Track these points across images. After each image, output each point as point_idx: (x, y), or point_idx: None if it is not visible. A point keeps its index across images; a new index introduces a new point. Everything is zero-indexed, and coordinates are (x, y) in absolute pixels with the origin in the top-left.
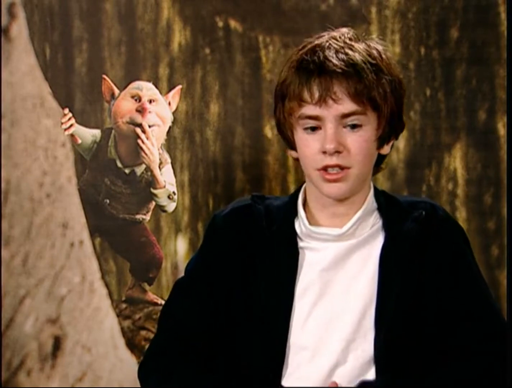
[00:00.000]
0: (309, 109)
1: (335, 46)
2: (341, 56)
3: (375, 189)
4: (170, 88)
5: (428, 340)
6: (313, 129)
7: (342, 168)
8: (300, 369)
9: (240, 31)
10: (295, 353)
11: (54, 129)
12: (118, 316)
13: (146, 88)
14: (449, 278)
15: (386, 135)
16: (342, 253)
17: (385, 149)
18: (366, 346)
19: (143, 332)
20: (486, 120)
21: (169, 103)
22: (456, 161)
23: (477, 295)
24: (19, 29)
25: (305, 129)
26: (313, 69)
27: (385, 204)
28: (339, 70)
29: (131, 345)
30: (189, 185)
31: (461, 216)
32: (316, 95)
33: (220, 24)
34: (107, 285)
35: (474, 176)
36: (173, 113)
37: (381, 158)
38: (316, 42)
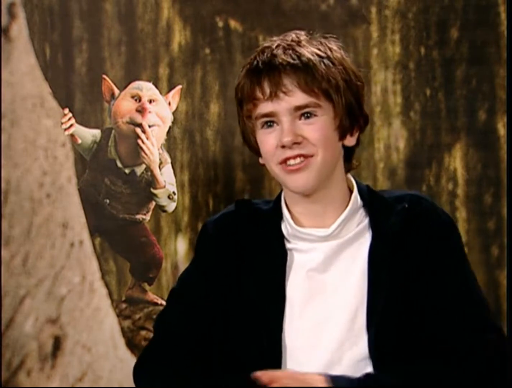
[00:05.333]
0: (263, 107)
1: (283, 44)
2: (289, 52)
3: (359, 186)
4: (170, 88)
5: (420, 333)
6: (270, 125)
7: (305, 157)
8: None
9: (240, 31)
10: (290, 354)
11: (54, 129)
12: (118, 316)
13: (146, 88)
14: (433, 268)
15: (347, 126)
16: (330, 254)
17: (350, 141)
18: (360, 345)
19: (143, 332)
20: (486, 120)
21: (169, 103)
22: (456, 161)
23: (460, 285)
24: (19, 29)
25: (263, 127)
26: (262, 67)
27: (370, 200)
28: (286, 63)
29: (131, 345)
30: (189, 185)
31: (461, 216)
32: (267, 91)
33: (220, 24)
34: (107, 285)
35: (474, 176)
36: (173, 113)
37: (349, 152)
38: (266, 44)
